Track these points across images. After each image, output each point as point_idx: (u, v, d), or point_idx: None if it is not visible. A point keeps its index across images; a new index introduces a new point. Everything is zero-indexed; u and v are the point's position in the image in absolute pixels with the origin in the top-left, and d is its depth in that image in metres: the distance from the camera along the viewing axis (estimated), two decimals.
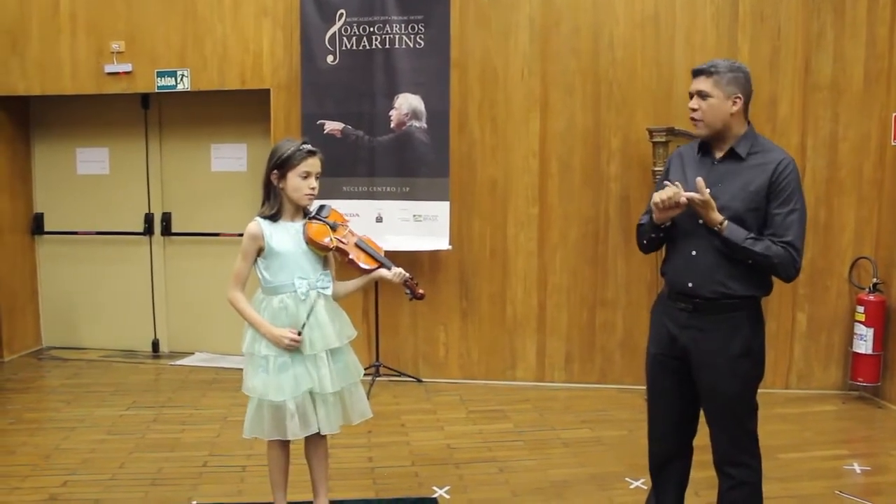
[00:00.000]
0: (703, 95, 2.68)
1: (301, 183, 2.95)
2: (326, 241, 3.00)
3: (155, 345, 6.20)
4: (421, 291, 3.13)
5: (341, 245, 3.03)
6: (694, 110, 2.71)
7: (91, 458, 4.05)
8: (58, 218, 6.25)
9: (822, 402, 5.01)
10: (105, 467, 3.93)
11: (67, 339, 6.32)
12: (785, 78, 5.00)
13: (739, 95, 2.67)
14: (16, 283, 6.06)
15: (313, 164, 2.96)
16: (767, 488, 2.86)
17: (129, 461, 4.02)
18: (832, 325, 5.14)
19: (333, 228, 3.05)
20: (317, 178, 2.99)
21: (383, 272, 3.06)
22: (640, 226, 2.92)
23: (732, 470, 2.74)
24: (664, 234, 2.80)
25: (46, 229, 6.26)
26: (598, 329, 5.32)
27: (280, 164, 2.95)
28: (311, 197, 2.99)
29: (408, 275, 3.09)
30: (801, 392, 5.12)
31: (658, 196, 2.65)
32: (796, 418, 4.66)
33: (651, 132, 4.83)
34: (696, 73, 2.73)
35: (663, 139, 4.78)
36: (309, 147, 2.97)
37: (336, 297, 3.10)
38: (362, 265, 3.06)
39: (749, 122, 2.74)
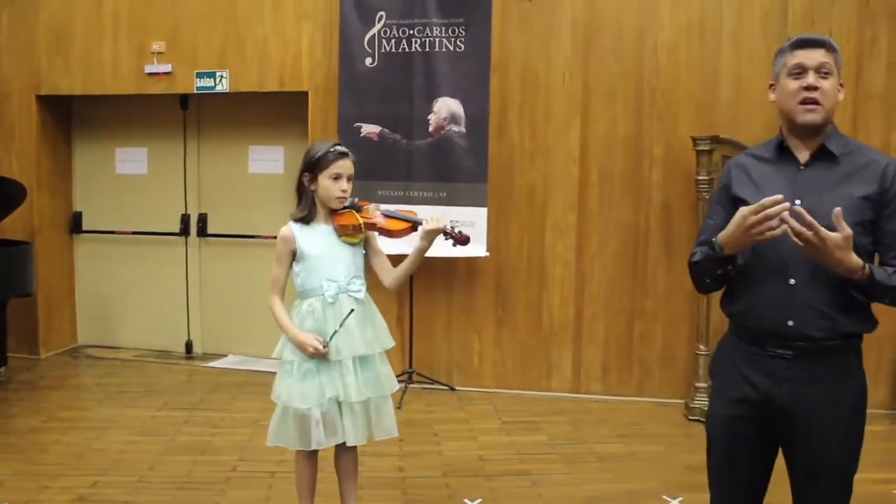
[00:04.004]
0: (824, 72, 2.12)
1: (332, 185, 2.89)
2: (351, 214, 2.94)
3: (188, 346, 6.19)
4: (465, 234, 2.97)
5: (369, 221, 2.95)
6: (813, 89, 2.12)
7: (121, 459, 4.04)
8: (96, 217, 6.29)
9: (869, 422, 4.77)
10: (134, 469, 3.91)
11: (102, 338, 6.35)
12: None
13: (842, 83, 2.20)
14: (54, 281, 6.10)
15: (344, 165, 2.89)
16: None
17: (158, 463, 3.99)
18: (882, 343, 4.94)
19: (358, 210, 2.97)
20: (349, 180, 2.92)
21: (426, 226, 2.90)
22: (694, 264, 2.30)
23: None
24: (733, 267, 2.20)
25: (84, 228, 6.30)
26: (637, 340, 5.20)
27: (311, 166, 2.89)
28: (342, 200, 2.92)
29: (445, 220, 2.92)
30: None
31: (751, 210, 2.00)
32: None
33: (695, 140, 4.70)
34: (814, 44, 2.15)
35: (707, 147, 4.65)
36: (340, 148, 2.91)
37: (400, 282, 3.03)
38: (396, 230, 2.97)
39: None
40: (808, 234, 1.95)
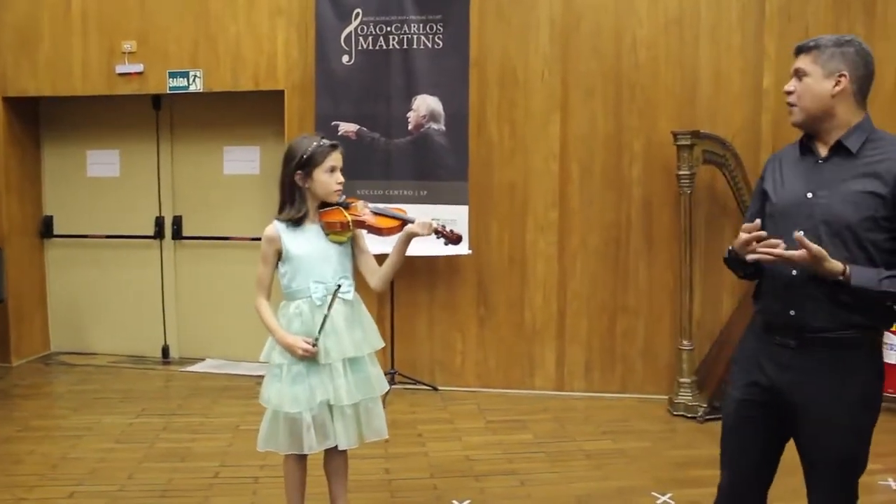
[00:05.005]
0: (799, 74, 2.25)
1: (329, 178, 2.84)
2: (339, 211, 2.89)
3: (165, 350, 6.08)
4: (457, 233, 2.92)
5: (357, 218, 2.90)
6: (788, 93, 2.27)
7: (99, 468, 3.93)
8: (67, 221, 6.15)
9: None
10: (113, 478, 3.81)
11: (76, 344, 6.22)
12: None
13: (844, 73, 2.18)
14: (24, 287, 5.95)
15: (337, 157, 2.86)
16: None
17: (138, 471, 3.90)
18: None
19: (346, 207, 2.92)
20: (341, 171, 2.89)
21: (410, 227, 2.86)
22: (726, 260, 2.44)
23: None
24: (755, 268, 2.32)
25: (56, 232, 6.16)
26: (619, 337, 5.18)
27: (304, 163, 2.83)
28: (340, 192, 2.89)
29: (435, 222, 2.88)
30: None
31: (741, 238, 2.18)
32: None
33: (675, 135, 4.69)
34: (797, 52, 2.28)
35: (688, 142, 4.64)
36: (330, 141, 2.88)
37: (386, 281, 2.97)
38: (386, 228, 2.92)
39: (867, 114, 2.26)
40: (797, 255, 2.07)
